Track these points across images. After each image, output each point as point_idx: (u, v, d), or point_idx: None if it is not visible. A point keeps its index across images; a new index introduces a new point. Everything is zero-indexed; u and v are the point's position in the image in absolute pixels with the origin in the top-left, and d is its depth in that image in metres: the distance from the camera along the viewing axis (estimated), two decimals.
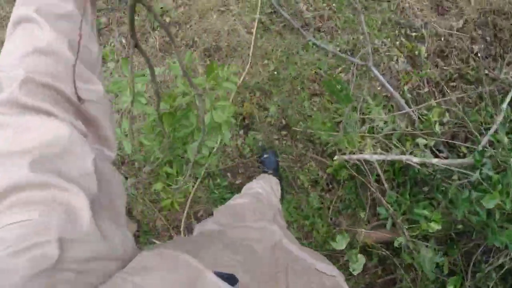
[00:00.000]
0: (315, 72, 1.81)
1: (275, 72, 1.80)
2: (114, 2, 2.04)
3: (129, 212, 1.74)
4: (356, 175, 1.56)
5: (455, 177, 1.40)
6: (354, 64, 1.79)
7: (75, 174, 0.33)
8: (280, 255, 0.63)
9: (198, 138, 1.13)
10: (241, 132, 1.75)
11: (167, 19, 1.96)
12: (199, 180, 1.67)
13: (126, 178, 1.77)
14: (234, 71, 1.08)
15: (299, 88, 1.79)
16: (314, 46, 1.85)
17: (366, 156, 1.50)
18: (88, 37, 0.42)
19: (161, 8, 1.98)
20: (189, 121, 1.03)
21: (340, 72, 1.81)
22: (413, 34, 1.93)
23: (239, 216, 0.87)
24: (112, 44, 1.95)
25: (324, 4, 1.96)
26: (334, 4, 1.95)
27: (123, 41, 1.95)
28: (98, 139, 0.41)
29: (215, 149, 1.19)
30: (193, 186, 1.65)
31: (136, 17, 1.98)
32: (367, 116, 1.62)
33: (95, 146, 0.40)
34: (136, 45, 0.60)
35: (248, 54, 1.83)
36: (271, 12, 1.92)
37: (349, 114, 1.52)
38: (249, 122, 1.75)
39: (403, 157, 1.47)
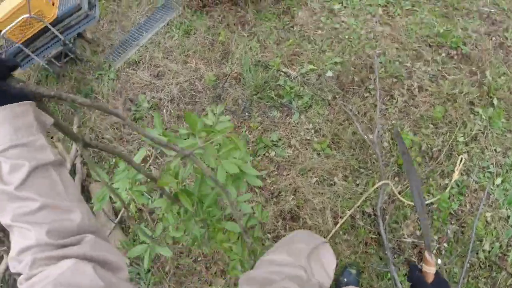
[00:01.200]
0: None
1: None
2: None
3: None
4: None
5: None
6: None
7: None
8: None
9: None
10: None
11: (272, 153, 1.89)
12: None
13: None
14: None
15: None
16: (391, 280, 1.59)
17: None
18: (64, 212, 0.52)
19: (272, 140, 1.91)
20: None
21: None
22: None
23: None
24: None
25: (436, 237, 1.64)
26: (445, 245, 1.62)
27: None
28: (106, 266, 0.51)
29: None
30: None
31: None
32: None
33: (106, 273, 0.49)
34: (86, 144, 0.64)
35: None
36: (369, 214, 1.70)
37: None
38: None
39: None
